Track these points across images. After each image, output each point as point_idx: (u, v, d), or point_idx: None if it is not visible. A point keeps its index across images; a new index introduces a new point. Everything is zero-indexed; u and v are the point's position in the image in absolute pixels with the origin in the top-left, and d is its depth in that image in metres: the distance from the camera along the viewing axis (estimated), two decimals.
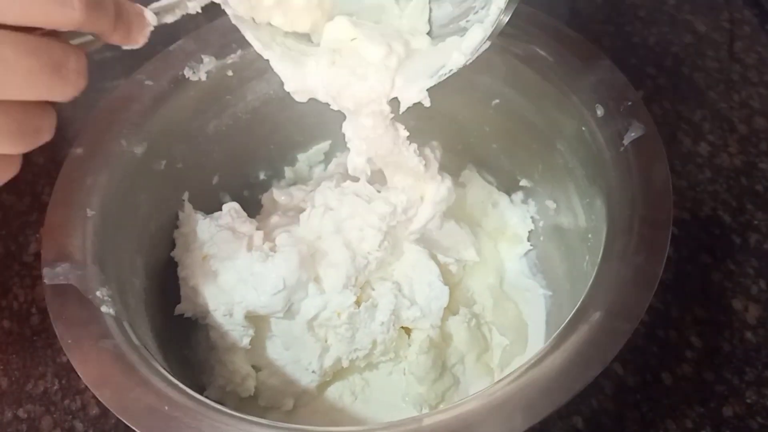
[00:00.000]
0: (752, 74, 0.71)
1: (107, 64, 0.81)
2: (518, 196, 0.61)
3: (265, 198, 0.61)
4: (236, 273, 0.50)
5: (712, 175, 0.63)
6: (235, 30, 0.54)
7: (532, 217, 0.60)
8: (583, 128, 0.48)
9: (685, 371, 0.53)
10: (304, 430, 0.38)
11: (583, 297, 0.40)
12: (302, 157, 0.64)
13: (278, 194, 0.60)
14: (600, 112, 0.47)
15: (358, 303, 0.51)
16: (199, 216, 0.54)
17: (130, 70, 0.54)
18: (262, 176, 0.63)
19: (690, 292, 0.56)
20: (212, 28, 0.55)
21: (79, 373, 0.38)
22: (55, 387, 0.57)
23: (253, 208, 0.59)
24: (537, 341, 0.55)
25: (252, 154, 0.61)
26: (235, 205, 0.55)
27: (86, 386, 0.56)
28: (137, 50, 0.88)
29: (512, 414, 0.35)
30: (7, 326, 0.60)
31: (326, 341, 0.51)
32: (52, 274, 0.42)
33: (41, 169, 0.72)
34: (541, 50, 0.51)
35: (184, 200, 0.56)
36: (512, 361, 0.55)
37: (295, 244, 0.51)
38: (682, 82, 0.71)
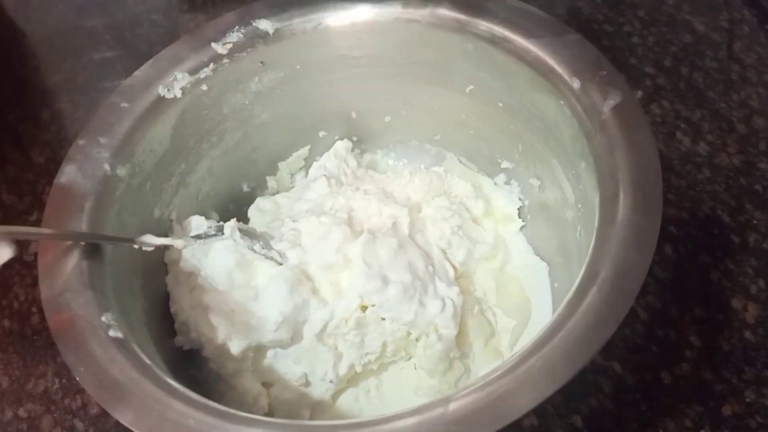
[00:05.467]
0: (751, 74, 0.71)
1: (107, 64, 0.81)
2: (501, 178, 0.62)
3: (251, 210, 0.61)
4: (228, 308, 0.50)
5: (711, 175, 0.64)
6: (206, 44, 0.54)
7: (518, 198, 0.61)
8: (562, 102, 0.49)
9: (684, 370, 0.53)
10: (339, 426, 0.38)
11: (587, 261, 0.40)
12: (283, 166, 0.64)
13: (264, 203, 0.60)
14: (576, 84, 0.48)
15: (363, 308, 0.51)
16: (185, 242, 0.53)
17: (130, 70, 0.54)
18: (245, 188, 0.63)
19: (689, 292, 0.57)
20: (183, 43, 0.55)
21: (97, 401, 0.38)
22: (56, 386, 0.57)
23: (239, 221, 0.57)
24: (541, 316, 0.55)
25: (234, 166, 0.61)
26: (233, 223, 0.54)
27: None
28: (138, 50, 0.89)
29: (538, 381, 0.36)
30: (8, 326, 0.61)
31: (336, 349, 0.51)
32: (54, 306, 0.42)
33: (41, 169, 0.72)
34: (511, 32, 0.52)
35: (172, 220, 0.55)
36: (520, 339, 0.55)
37: (279, 273, 0.51)
38: (681, 82, 0.71)
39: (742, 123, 0.67)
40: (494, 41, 0.52)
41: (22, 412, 0.56)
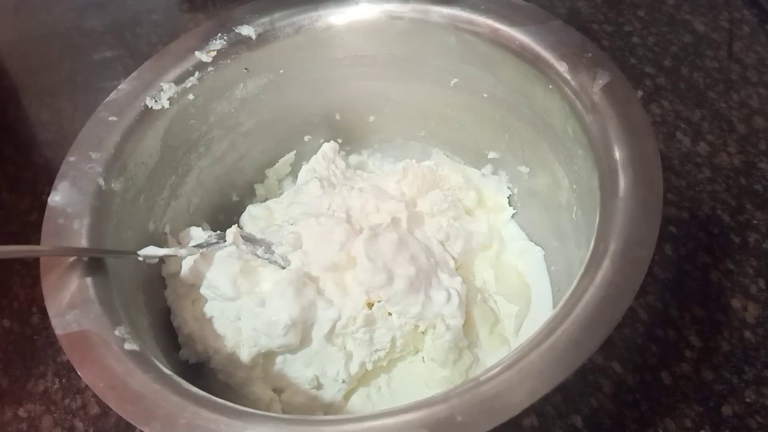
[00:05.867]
0: (751, 74, 0.71)
1: (107, 64, 0.81)
2: (488, 168, 0.63)
3: (243, 218, 0.61)
4: (234, 316, 0.50)
5: (712, 175, 0.64)
6: (191, 52, 0.54)
7: (506, 186, 0.62)
8: (551, 86, 0.50)
9: (685, 370, 0.53)
10: (365, 416, 0.37)
11: (594, 237, 0.41)
12: (270, 172, 0.64)
13: (256, 210, 0.60)
14: (564, 68, 0.48)
15: (369, 305, 0.51)
16: (188, 251, 0.52)
17: (130, 70, 0.54)
18: (234, 197, 0.63)
19: (689, 292, 0.57)
20: (167, 53, 0.55)
21: (123, 415, 0.37)
22: (56, 386, 0.57)
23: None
24: (542, 299, 0.56)
25: (222, 176, 0.60)
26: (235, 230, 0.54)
27: (86, 385, 0.56)
28: (138, 50, 0.89)
29: (564, 354, 0.36)
30: (8, 326, 0.61)
31: (345, 348, 0.51)
32: (64, 323, 0.41)
33: (41, 169, 0.72)
34: (494, 22, 0.52)
35: (166, 234, 0.55)
36: (524, 324, 0.55)
37: (283, 277, 0.51)
38: (681, 82, 0.71)
39: (742, 123, 0.67)
40: (477, 32, 0.53)
41: (22, 412, 0.56)
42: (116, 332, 0.41)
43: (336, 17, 0.56)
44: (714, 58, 0.73)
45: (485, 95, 0.57)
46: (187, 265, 0.52)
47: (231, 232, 0.53)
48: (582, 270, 0.40)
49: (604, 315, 0.37)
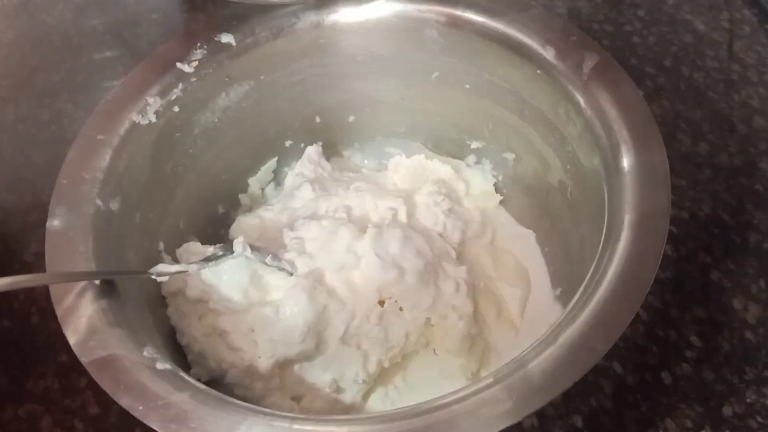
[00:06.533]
0: (752, 74, 0.71)
1: (107, 64, 0.81)
2: (471, 159, 0.64)
3: (233, 230, 0.60)
4: (247, 328, 0.50)
5: (712, 175, 0.63)
6: (172, 64, 0.53)
7: (491, 174, 0.63)
8: (539, 71, 0.50)
9: (685, 371, 0.53)
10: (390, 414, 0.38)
11: (606, 212, 0.43)
12: (253, 181, 0.63)
13: (247, 220, 0.59)
14: (550, 53, 0.49)
15: (381, 303, 0.51)
16: (198, 266, 0.51)
17: (130, 69, 0.54)
18: (220, 209, 0.62)
19: (689, 292, 0.56)
20: (149, 66, 0.54)
21: None
22: (55, 386, 0.56)
23: (219, 243, 0.55)
24: (541, 280, 0.57)
25: (209, 188, 0.59)
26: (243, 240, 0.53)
27: (86, 385, 0.56)
28: (138, 50, 0.88)
29: (608, 323, 0.37)
30: (7, 326, 0.61)
31: (360, 348, 0.51)
32: (88, 350, 0.40)
33: (41, 168, 0.72)
34: (474, 13, 0.53)
35: (161, 251, 0.53)
36: (527, 305, 0.56)
37: (294, 283, 0.50)
38: (681, 82, 0.71)
39: (742, 123, 0.67)
40: (458, 25, 0.53)
41: (21, 412, 0.56)
42: (145, 353, 0.40)
43: (315, 19, 0.56)
44: (714, 58, 0.73)
45: (467, 86, 0.57)
46: (192, 281, 0.51)
47: (239, 242, 0.52)
48: (601, 243, 0.42)
49: (632, 286, 0.39)
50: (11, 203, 0.69)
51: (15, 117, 0.78)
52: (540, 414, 0.51)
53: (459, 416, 0.35)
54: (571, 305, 0.39)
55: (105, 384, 0.39)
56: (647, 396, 0.52)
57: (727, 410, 0.51)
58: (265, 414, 0.37)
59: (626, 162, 0.44)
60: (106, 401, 0.40)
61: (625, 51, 0.74)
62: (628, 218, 0.41)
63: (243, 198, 0.63)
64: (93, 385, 0.39)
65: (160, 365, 0.40)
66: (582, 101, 0.48)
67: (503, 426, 0.35)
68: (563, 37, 0.50)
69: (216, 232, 0.61)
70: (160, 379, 0.39)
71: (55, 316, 0.42)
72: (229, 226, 0.61)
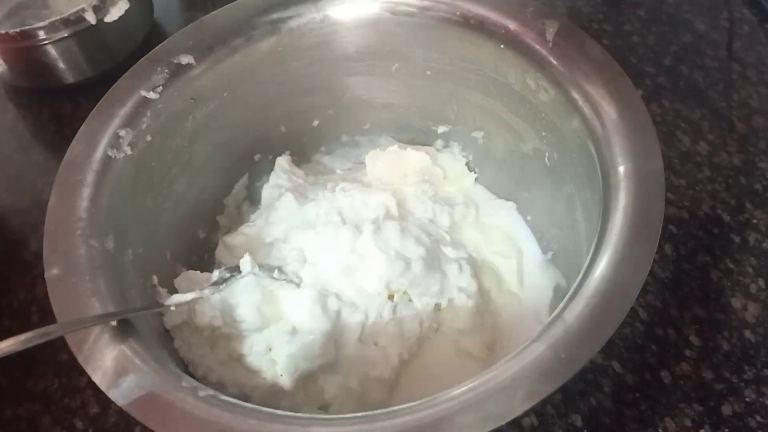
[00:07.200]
0: (751, 73, 0.71)
1: None
2: (438, 143, 0.64)
3: (219, 252, 0.59)
4: (264, 348, 0.50)
5: (711, 174, 0.63)
6: (136, 92, 0.51)
7: (461, 155, 0.64)
8: (502, 46, 0.51)
9: (684, 370, 0.53)
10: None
11: (600, 171, 0.44)
12: (228, 201, 0.63)
13: (232, 239, 0.58)
14: (512, 26, 0.50)
15: (390, 297, 0.52)
16: (211, 290, 0.50)
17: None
18: (201, 234, 0.60)
19: (689, 291, 0.57)
20: (112, 97, 0.52)
21: None
22: (55, 385, 0.57)
23: (205, 269, 0.55)
24: (530, 248, 0.59)
25: (187, 215, 0.58)
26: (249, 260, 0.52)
27: (86, 385, 0.56)
28: (137, 50, 0.88)
29: (624, 291, 0.38)
30: (7, 325, 0.61)
31: (377, 345, 0.51)
32: (125, 393, 0.38)
33: (41, 168, 0.72)
34: (428, 1, 0.53)
35: (155, 285, 0.51)
36: (524, 275, 0.57)
37: (305, 296, 0.50)
38: (681, 81, 0.71)
39: (742, 122, 0.67)
40: (413, 13, 0.54)
41: (21, 411, 0.56)
42: (184, 383, 0.39)
43: (271, 28, 0.55)
44: (714, 57, 0.73)
45: (428, 72, 0.58)
46: (200, 308, 0.50)
47: (246, 260, 0.51)
48: (601, 194, 0.43)
49: (645, 220, 0.40)
50: (11, 202, 0.69)
51: (15, 117, 0.78)
52: (540, 413, 0.51)
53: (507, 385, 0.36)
54: (582, 272, 0.40)
55: (153, 422, 0.37)
56: (647, 395, 0.52)
57: (726, 409, 0.51)
58: (318, 420, 0.37)
59: (610, 116, 0.44)
60: (105, 400, 0.40)
61: (625, 50, 0.74)
62: (623, 168, 0.42)
63: (221, 219, 0.62)
64: (93, 384, 0.39)
65: (202, 392, 0.38)
66: (552, 67, 0.48)
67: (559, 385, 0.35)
68: (521, 9, 0.51)
69: (200, 258, 0.59)
70: (208, 406, 0.37)
71: (55, 317, 0.42)
72: (211, 251, 0.60)
